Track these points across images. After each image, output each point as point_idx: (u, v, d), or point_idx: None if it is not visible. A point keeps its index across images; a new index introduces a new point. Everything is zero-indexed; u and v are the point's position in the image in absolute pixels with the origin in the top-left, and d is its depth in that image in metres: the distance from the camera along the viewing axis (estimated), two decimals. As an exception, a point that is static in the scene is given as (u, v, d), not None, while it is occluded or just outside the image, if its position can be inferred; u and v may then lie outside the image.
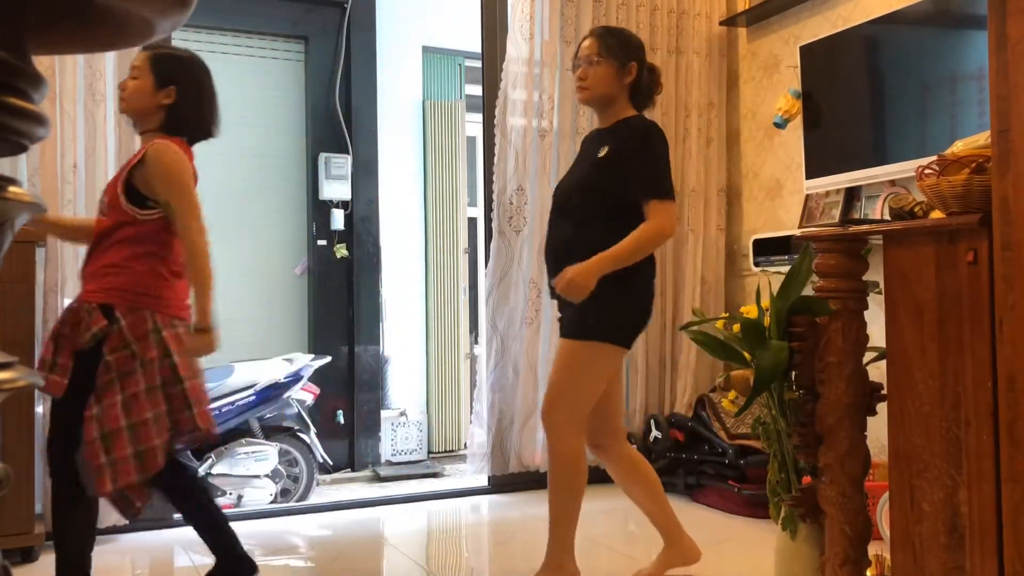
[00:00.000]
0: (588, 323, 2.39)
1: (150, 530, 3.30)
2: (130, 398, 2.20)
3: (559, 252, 2.47)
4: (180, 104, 2.38)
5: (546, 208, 3.92)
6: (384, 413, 5.84)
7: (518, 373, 3.89)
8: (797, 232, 3.62)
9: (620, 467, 2.68)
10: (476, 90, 4.79)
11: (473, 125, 6.01)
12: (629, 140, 2.45)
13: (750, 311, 2.27)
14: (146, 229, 2.31)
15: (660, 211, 2.36)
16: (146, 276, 2.29)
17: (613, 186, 2.43)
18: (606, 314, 2.39)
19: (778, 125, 3.64)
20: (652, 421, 4.00)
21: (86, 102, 3.20)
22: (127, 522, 3.23)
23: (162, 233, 2.32)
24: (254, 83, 5.67)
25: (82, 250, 3.18)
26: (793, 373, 2.09)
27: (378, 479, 5.47)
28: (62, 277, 3.13)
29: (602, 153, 2.46)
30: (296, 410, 4.88)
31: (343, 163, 5.74)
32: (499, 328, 3.88)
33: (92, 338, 2.21)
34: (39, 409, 3.08)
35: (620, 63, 2.49)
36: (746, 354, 2.20)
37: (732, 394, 2.53)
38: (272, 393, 4.63)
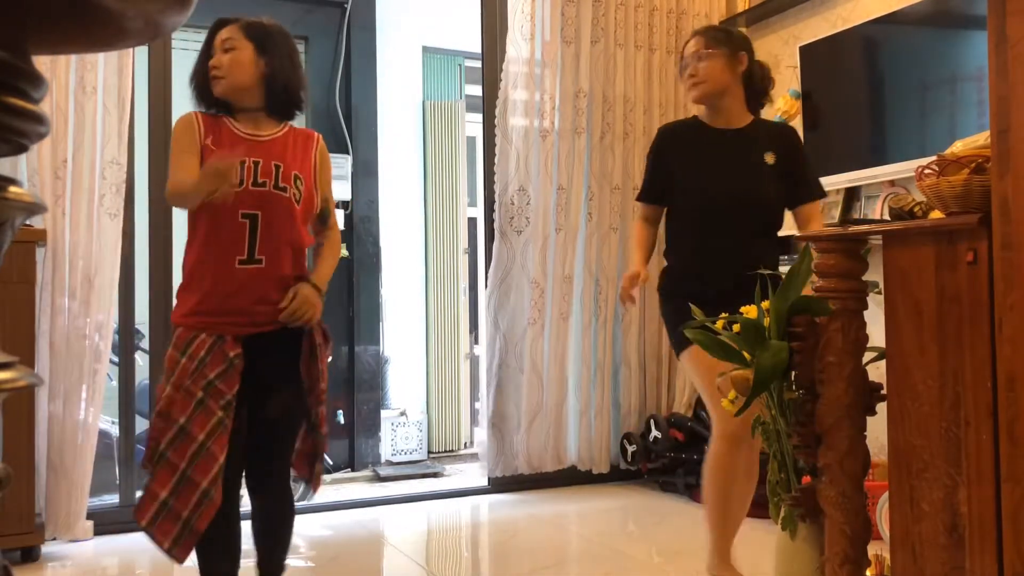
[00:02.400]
0: (673, 339, 2.52)
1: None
2: None
3: (743, 262, 2.39)
4: (280, 73, 2.20)
5: (548, 208, 3.93)
6: (384, 413, 5.84)
7: (521, 374, 3.89)
8: (797, 232, 3.61)
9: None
10: (476, 90, 4.78)
11: (473, 125, 6.01)
12: (792, 146, 2.57)
13: (750, 311, 2.26)
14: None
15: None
16: None
17: (781, 195, 2.56)
18: (668, 327, 2.57)
19: (778, 125, 3.64)
20: (652, 421, 4.00)
21: (76, 95, 3.18)
22: (128, 521, 3.23)
23: None
24: (254, 83, 5.66)
25: (81, 250, 3.19)
26: (793, 373, 2.09)
27: (378, 479, 5.47)
28: (62, 277, 3.13)
29: (771, 161, 2.53)
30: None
31: (343, 163, 5.73)
32: (501, 329, 3.88)
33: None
34: (39, 409, 3.08)
35: (731, 51, 2.52)
36: (746, 354, 2.20)
37: (732, 394, 2.53)
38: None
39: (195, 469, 2.02)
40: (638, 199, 2.72)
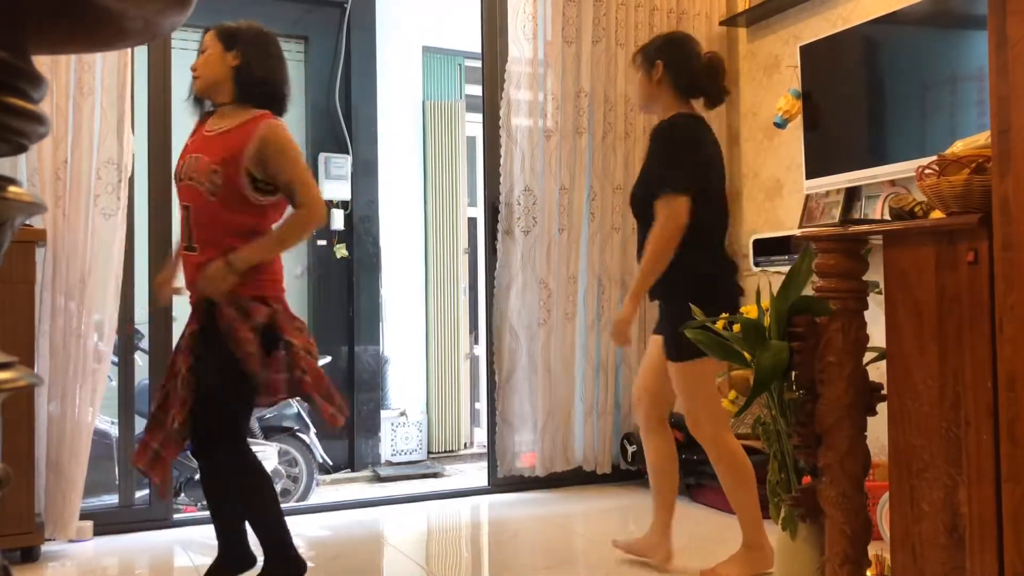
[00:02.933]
0: (680, 344, 2.49)
1: (150, 530, 3.30)
2: None
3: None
4: (247, 66, 2.39)
5: (552, 208, 3.93)
6: (384, 413, 5.84)
7: (524, 374, 3.90)
8: (797, 232, 3.62)
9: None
10: (476, 90, 4.79)
11: (473, 125, 6.01)
12: (651, 139, 2.77)
13: (750, 311, 2.27)
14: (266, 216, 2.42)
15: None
16: None
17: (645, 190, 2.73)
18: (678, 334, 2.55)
19: (778, 125, 3.64)
20: (652, 421, 4.00)
21: (75, 96, 3.18)
22: (128, 521, 3.24)
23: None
24: (254, 83, 5.66)
25: (78, 249, 3.19)
26: (793, 373, 2.09)
27: (378, 479, 5.47)
28: (62, 277, 3.13)
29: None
30: (296, 410, 4.87)
31: (343, 163, 5.73)
32: (501, 328, 3.88)
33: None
34: (39, 409, 3.08)
35: (646, 65, 2.73)
36: (746, 354, 2.20)
37: (732, 394, 2.53)
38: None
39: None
40: (683, 189, 2.53)
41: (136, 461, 2.41)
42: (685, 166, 2.56)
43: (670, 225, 2.51)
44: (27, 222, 1.77)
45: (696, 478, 3.70)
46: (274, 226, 2.42)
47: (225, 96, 2.41)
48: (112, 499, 3.43)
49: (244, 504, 2.41)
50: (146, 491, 3.41)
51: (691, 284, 2.58)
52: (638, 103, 2.85)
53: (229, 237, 2.33)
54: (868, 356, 1.97)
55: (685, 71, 2.68)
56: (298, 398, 2.48)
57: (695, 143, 2.63)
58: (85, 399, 3.15)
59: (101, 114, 3.22)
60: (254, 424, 4.62)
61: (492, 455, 3.91)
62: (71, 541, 3.17)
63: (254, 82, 2.39)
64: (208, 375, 2.34)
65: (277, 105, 2.45)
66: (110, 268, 3.23)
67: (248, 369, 2.27)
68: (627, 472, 4.07)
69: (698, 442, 2.73)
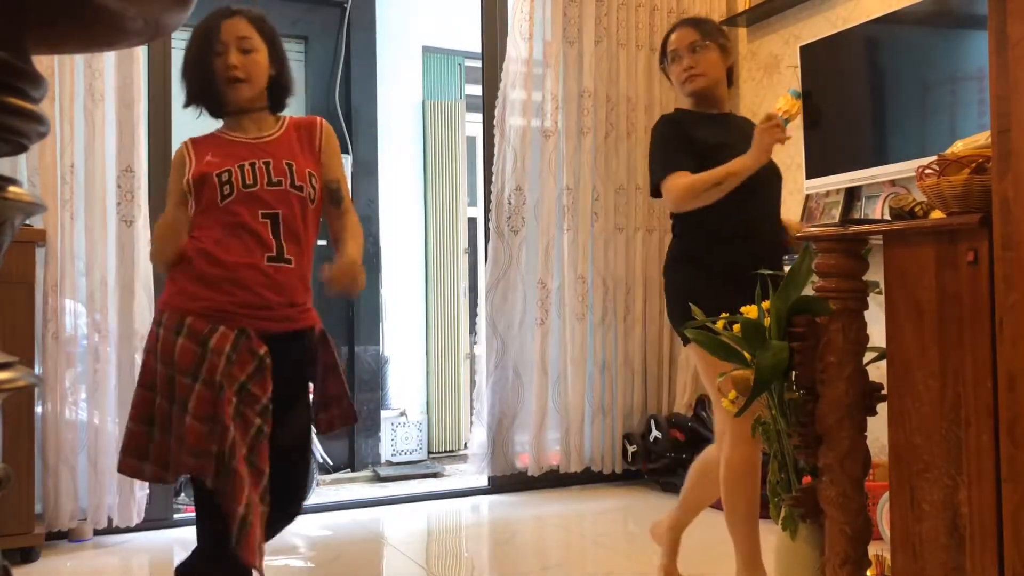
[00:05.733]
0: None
1: (150, 530, 3.30)
2: None
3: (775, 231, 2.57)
4: (284, 71, 2.13)
5: (549, 208, 3.93)
6: (384, 413, 5.83)
7: (519, 374, 3.90)
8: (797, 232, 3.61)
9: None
10: (476, 90, 4.78)
11: (473, 125, 6.01)
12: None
13: (750, 311, 2.26)
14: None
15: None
16: None
17: None
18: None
19: (778, 125, 3.64)
20: (652, 421, 4.00)
21: (85, 102, 3.20)
22: (128, 521, 3.24)
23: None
24: (254, 83, 5.67)
25: (80, 250, 3.19)
26: (793, 373, 2.09)
27: (378, 479, 5.47)
28: (62, 277, 3.13)
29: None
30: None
31: (343, 163, 5.73)
32: (498, 329, 3.88)
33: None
34: (39, 409, 3.08)
35: (724, 43, 2.58)
36: (746, 354, 2.20)
37: (732, 394, 2.53)
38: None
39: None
40: (678, 168, 2.46)
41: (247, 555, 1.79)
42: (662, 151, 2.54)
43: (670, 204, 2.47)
44: (27, 222, 1.77)
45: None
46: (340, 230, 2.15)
47: (260, 102, 2.09)
48: (112, 499, 3.43)
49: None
50: (146, 491, 3.41)
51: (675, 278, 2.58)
52: (702, 83, 2.54)
53: (310, 245, 2.08)
54: (868, 356, 1.97)
55: (733, 61, 2.66)
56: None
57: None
58: (85, 399, 3.15)
59: (108, 116, 3.25)
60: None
61: (491, 455, 3.91)
62: (71, 541, 3.17)
63: (282, 90, 2.15)
64: (301, 416, 2.07)
65: (286, 106, 2.25)
66: (113, 268, 3.24)
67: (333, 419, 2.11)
68: (627, 472, 4.07)
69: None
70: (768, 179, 2.56)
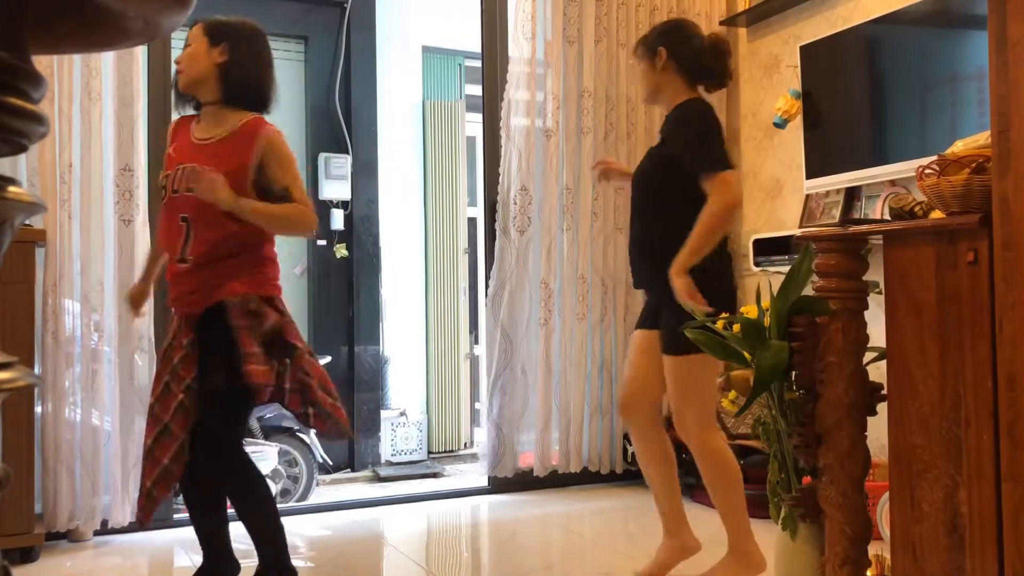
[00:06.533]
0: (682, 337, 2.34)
1: (150, 530, 3.29)
2: None
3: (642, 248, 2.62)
4: (234, 64, 2.31)
5: (551, 208, 3.94)
6: (384, 413, 5.84)
7: (524, 374, 3.89)
8: (797, 232, 3.61)
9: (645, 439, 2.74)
10: (476, 90, 4.78)
11: (473, 125, 6.01)
12: (672, 121, 2.57)
13: (750, 311, 2.27)
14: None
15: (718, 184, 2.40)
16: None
17: (663, 175, 2.55)
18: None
19: (778, 125, 3.64)
20: (652, 421, 4.00)
21: (82, 101, 3.19)
22: (127, 521, 3.23)
23: None
24: (254, 83, 5.67)
25: (79, 250, 3.19)
26: (793, 373, 2.09)
27: (378, 479, 5.47)
28: (61, 277, 3.13)
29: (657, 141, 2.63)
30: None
31: (343, 163, 5.73)
32: (502, 329, 3.87)
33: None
34: (39, 409, 3.08)
35: (648, 53, 2.59)
36: (746, 354, 2.20)
37: (732, 394, 2.53)
38: (272, 393, 4.63)
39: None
40: (728, 166, 2.45)
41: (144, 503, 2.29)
42: (720, 144, 2.47)
43: (730, 200, 2.38)
44: (27, 222, 1.77)
45: (697, 478, 3.69)
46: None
47: (210, 95, 2.33)
48: (112, 499, 3.43)
49: (248, 510, 2.32)
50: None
51: (696, 277, 2.44)
52: (643, 95, 2.69)
53: (227, 248, 2.28)
54: (868, 356, 1.97)
55: (689, 53, 2.55)
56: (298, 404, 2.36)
57: (719, 125, 2.53)
58: (85, 399, 3.15)
59: (105, 116, 3.24)
60: (254, 424, 4.62)
61: (491, 455, 3.91)
62: (71, 541, 3.17)
63: (241, 82, 2.32)
64: (211, 379, 2.28)
65: (263, 106, 2.39)
66: (112, 268, 3.24)
67: (250, 370, 2.21)
68: (627, 472, 4.07)
69: (681, 440, 2.62)
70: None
